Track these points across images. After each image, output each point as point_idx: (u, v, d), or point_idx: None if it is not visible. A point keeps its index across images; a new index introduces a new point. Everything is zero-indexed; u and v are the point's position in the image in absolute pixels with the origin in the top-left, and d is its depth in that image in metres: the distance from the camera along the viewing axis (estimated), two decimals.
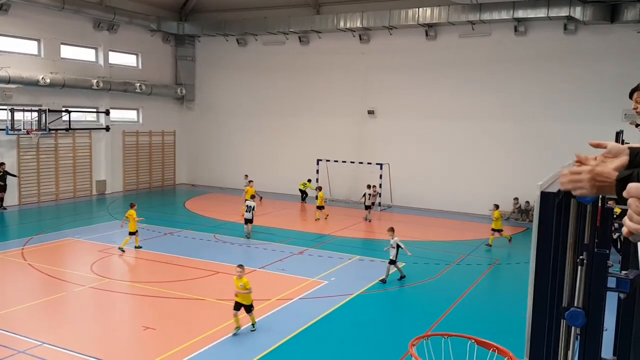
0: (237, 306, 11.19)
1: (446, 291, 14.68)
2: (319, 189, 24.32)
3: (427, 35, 26.46)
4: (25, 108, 24.02)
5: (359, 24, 26.70)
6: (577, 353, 2.92)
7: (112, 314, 12.65)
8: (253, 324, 11.36)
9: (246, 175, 26.78)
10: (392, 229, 15.26)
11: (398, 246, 14.91)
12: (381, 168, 26.81)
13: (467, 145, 26.11)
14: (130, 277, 15.19)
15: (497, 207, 19.48)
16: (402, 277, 15.17)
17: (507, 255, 18.80)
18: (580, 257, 2.89)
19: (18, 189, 24.60)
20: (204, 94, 33.03)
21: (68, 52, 26.55)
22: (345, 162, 27.89)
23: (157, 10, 30.38)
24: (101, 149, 28.41)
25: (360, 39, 27.97)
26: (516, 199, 24.57)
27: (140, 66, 30.65)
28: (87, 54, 27.65)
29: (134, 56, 30.48)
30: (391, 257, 14.91)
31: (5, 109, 23.30)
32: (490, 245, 19.19)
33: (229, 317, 11.92)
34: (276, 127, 30.92)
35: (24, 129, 23.83)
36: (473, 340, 6.90)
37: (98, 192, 28.22)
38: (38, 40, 25.11)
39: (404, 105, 27.36)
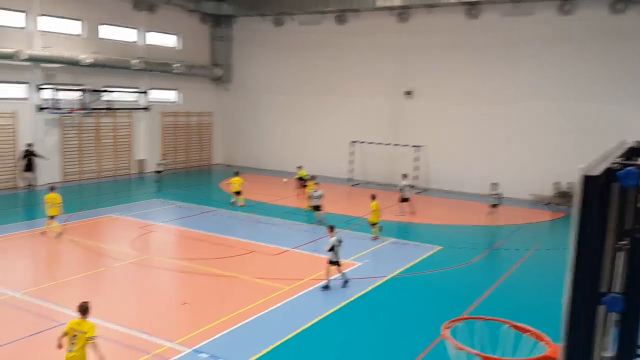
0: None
1: (482, 276, 14.50)
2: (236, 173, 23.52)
3: (468, 14, 25.78)
4: (68, 87, 24.66)
5: (398, 3, 26.24)
6: (615, 339, 2.84)
7: (152, 289, 13.02)
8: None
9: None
10: (331, 227, 13.46)
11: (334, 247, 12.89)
12: (418, 150, 26.47)
13: (505, 127, 25.50)
14: (169, 253, 15.56)
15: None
16: (346, 281, 13.05)
17: (546, 241, 18.40)
18: (621, 242, 2.79)
19: (61, 167, 25.42)
20: (240, 74, 33.20)
21: (108, 32, 27.03)
22: (380, 144, 27.65)
23: None
24: (140, 128, 29.00)
25: (399, 18, 27.48)
26: (557, 183, 23.93)
27: (178, 46, 30.97)
28: (126, 35, 28.09)
29: (173, 37, 30.81)
30: (330, 258, 12.92)
31: (50, 89, 23.98)
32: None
33: (263, 294, 12.15)
34: (311, 108, 30.89)
35: (66, 108, 24.50)
36: (509, 325, 6.79)
37: (138, 170, 28.89)
38: (80, 21, 25.64)
39: (442, 86, 26.87)
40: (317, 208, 19.26)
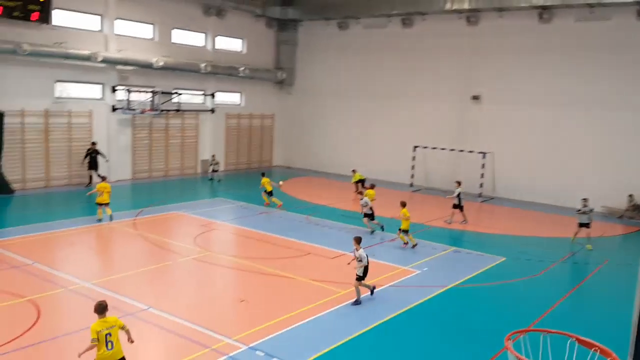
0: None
1: (548, 289, 13.83)
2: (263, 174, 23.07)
3: (540, 18, 24.86)
4: (140, 89, 25.73)
5: (466, 6, 25.69)
6: None
7: (212, 285, 13.30)
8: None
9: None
10: (358, 240, 12.30)
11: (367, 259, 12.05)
12: (484, 157, 25.73)
13: (577, 135, 24.35)
14: (229, 251, 15.86)
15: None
16: (356, 302, 11.94)
17: (618, 255, 17.35)
18: None
19: (132, 165, 26.53)
20: (303, 78, 33.51)
21: (179, 36, 28.01)
22: (443, 149, 27.07)
23: None
24: (206, 129, 29.83)
25: (468, 21, 26.87)
26: (631, 195, 22.57)
27: (244, 51, 31.67)
28: (196, 39, 29.00)
29: (239, 41, 31.53)
30: (358, 273, 11.99)
31: (123, 90, 25.11)
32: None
33: (319, 297, 12.13)
34: (373, 112, 30.72)
35: (138, 108, 25.58)
36: (574, 339, 6.41)
37: (202, 170, 29.71)
38: (152, 25, 26.72)
39: (511, 90, 26.04)
40: (368, 216, 18.44)
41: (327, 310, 11.45)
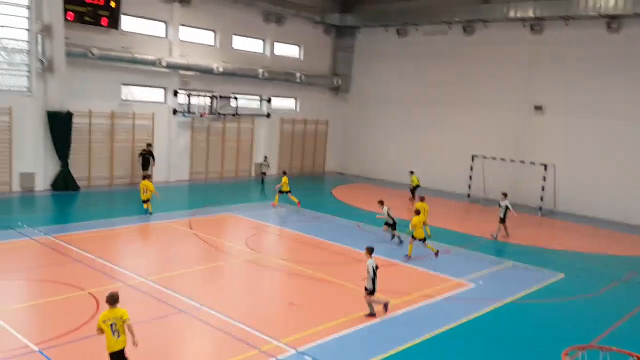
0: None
1: (609, 308, 13.11)
2: (284, 173, 23.10)
3: (608, 27, 23.80)
4: (200, 93, 26.45)
5: (531, 14, 24.97)
6: None
7: (262, 287, 13.40)
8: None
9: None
10: (369, 249, 11.71)
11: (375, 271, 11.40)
12: (545, 169, 24.82)
13: None
14: (280, 254, 15.95)
15: None
16: (371, 314, 11.44)
17: None
18: None
19: (189, 166, 27.26)
20: (359, 84, 33.46)
21: (239, 43, 28.61)
22: (503, 159, 26.32)
23: (321, 3, 31.41)
24: (261, 134, 30.28)
25: (532, 30, 26.07)
26: None
27: (301, 57, 31.98)
28: (255, 45, 29.54)
29: (297, 47, 31.87)
30: (366, 285, 11.49)
31: (184, 94, 25.88)
32: None
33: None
34: (430, 120, 30.27)
35: (197, 112, 26.28)
36: (635, 357, 6.01)
37: (256, 174, 30.15)
38: (214, 31, 27.42)
39: (575, 101, 25.04)
40: (389, 225, 17.76)
41: (377, 320, 11.28)
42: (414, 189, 25.92)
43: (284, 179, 22.16)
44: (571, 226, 22.89)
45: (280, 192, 22.10)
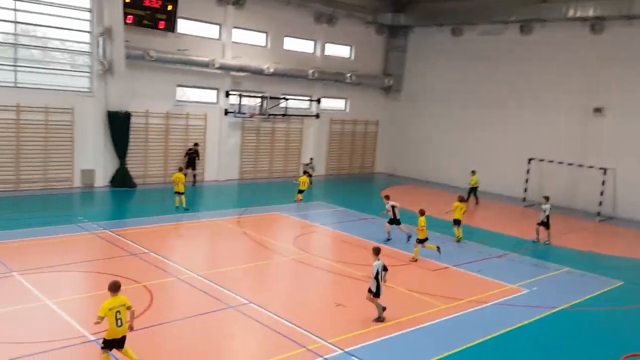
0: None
1: None
2: (304, 172, 23.86)
3: None
4: (251, 94, 26.85)
5: (591, 13, 24.00)
6: None
7: (309, 286, 13.45)
8: None
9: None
10: (377, 250, 11.27)
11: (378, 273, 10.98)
12: (605, 173, 23.77)
13: None
14: (327, 255, 15.96)
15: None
16: (379, 318, 11.04)
17: None
18: None
19: (239, 166, 27.71)
20: (411, 85, 33.08)
21: (290, 44, 28.85)
22: (561, 163, 25.37)
23: (373, 3, 31.26)
24: (310, 135, 30.42)
25: (592, 29, 25.01)
26: None
27: (352, 57, 31.92)
28: (305, 46, 29.71)
29: (348, 48, 31.83)
30: (370, 287, 11.02)
31: (235, 95, 26.35)
32: None
33: (417, 309, 11.85)
34: (484, 122, 29.56)
35: (248, 113, 26.69)
36: None
37: (304, 174, 30.25)
38: (266, 33, 27.77)
39: (638, 103, 23.86)
40: (393, 222, 17.38)
41: (426, 324, 11.12)
42: (472, 190, 25.30)
43: (303, 178, 22.68)
44: (632, 232, 21.82)
45: (299, 191, 22.35)
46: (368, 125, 33.44)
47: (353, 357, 9.32)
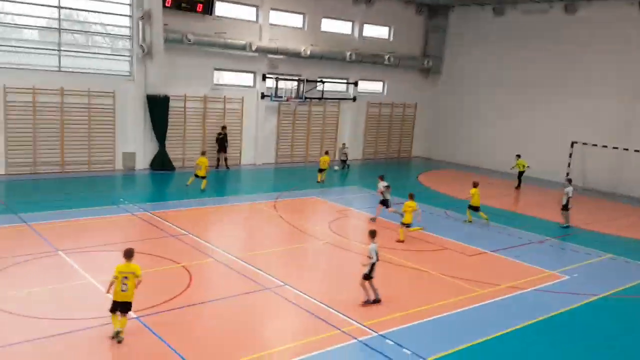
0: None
1: None
2: (326, 152, 24.04)
3: None
4: (287, 77, 26.83)
5: None
6: None
7: (344, 270, 13.46)
8: None
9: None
10: (372, 233, 11.14)
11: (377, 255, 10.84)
12: None
13: None
14: (363, 239, 15.90)
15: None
16: (375, 300, 10.92)
17: None
18: None
19: (276, 150, 27.85)
20: (451, 66, 32.39)
21: (327, 25, 28.60)
22: (605, 147, 24.48)
23: None
24: (346, 118, 30.24)
25: None
26: None
27: (390, 38, 31.43)
28: (343, 27, 29.40)
29: (386, 28, 31.33)
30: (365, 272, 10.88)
31: (272, 78, 26.38)
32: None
33: (453, 294, 11.75)
34: (526, 104, 28.76)
35: (284, 96, 26.71)
36: None
37: (340, 158, 30.20)
38: (303, 14, 27.59)
39: None
40: (383, 203, 17.36)
41: (462, 309, 11.01)
42: (520, 175, 24.65)
43: (324, 157, 22.88)
44: None
45: (319, 169, 22.74)
46: (406, 108, 32.99)
47: (387, 340, 9.32)
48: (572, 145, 25.80)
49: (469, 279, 12.74)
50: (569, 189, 18.15)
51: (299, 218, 17.38)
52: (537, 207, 21.46)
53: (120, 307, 8.75)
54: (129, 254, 8.90)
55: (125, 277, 8.69)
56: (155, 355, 8.43)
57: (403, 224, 15.67)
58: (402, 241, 15.44)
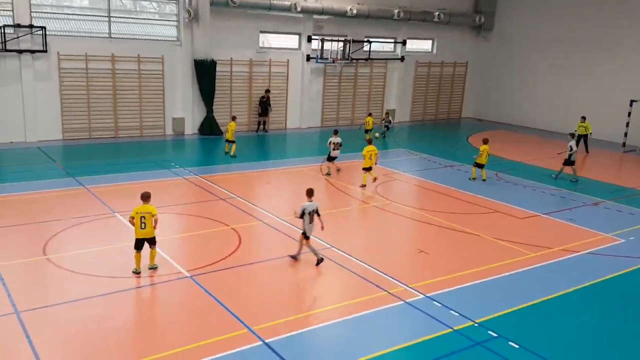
0: None
1: None
2: (370, 114, 24.23)
3: None
4: (333, 38, 26.40)
5: None
6: None
7: (391, 233, 13.46)
8: None
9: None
10: (309, 191, 10.98)
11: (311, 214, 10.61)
12: None
13: None
14: (410, 202, 15.81)
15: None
16: (319, 260, 10.69)
17: None
18: None
19: (321, 113, 27.71)
20: (504, 22, 31.00)
21: None
22: None
23: None
24: (394, 79, 29.64)
25: None
26: None
27: None
28: None
29: None
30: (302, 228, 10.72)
31: (317, 39, 26.03)
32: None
33: (504, 257, 11.58)
34: (582, 61, 27.33)
35: (330, 58, 26.36)
36: None
37: (384, 124, 29.79)
38: None
39: None
40: (329, 159, 18.06)
41: (513, 271, 10.85)
42: (582, 137, 23.06)
43: (368, 119, 23.67)
44: None
45: (365, 130, 23.23)
46: (456, 67, 31.98)
47: (435, 302, 9.32)
48: (631, 104, 24.43)
49: (520, 241, 12.49)
50: (572, 142, 18.03)
51: (345, 181, 17.38)
52: (592, 168, 20.64)
53: (142, 244, 9.82)
54: (145, 197, 9.81)
55: (143, 217, 9.64)
56: (207, 312, 8.75)
57: (364, 169, 16.56)
58: (364, 186, 16.52)
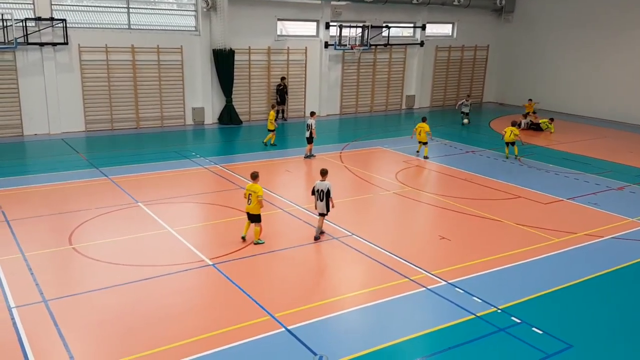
0: None
1: None
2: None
3: None
4: (351, 24, 26.18)
5: None
6: None
7: (411, 220, 13.41)
8: None
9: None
10: (323, 171, 11.65)
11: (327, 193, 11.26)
12: None
13: None
14: (430, 188, 15.71)
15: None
16: (318, 236, 11.40)
17: None
18: None
19: (340, 100, 27.58)
20: (526, 4, 30.37)
21: None
22: None
23: None
24: (414, 64, 29.31)
25: None
26: None
27: None
28: None
29: None
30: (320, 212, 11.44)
31: (335, 26, 25.85)
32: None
33: (528, 242, 11.45)
34: (606, 45, 26.68)
35: (348, 44, 26.16)
36: None
37: (407, 106, 29.57)
38: None
39: None
40: (308, 140, 18.29)
41: (536, 257, 10.73)
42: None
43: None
44: None
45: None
46: (477, 51, 31.48)
47: (456, 288, 9.27)
48: None
49: (544, 227, 12.33)
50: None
51: (365, 169, 17.32)
52: (620, 152, 20.23)
53: (249, 217, 10.96)
54: (253, 176, 10.96)
55: (250, 194, 10.76)
56: (229, 300, 8.85)
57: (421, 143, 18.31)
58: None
